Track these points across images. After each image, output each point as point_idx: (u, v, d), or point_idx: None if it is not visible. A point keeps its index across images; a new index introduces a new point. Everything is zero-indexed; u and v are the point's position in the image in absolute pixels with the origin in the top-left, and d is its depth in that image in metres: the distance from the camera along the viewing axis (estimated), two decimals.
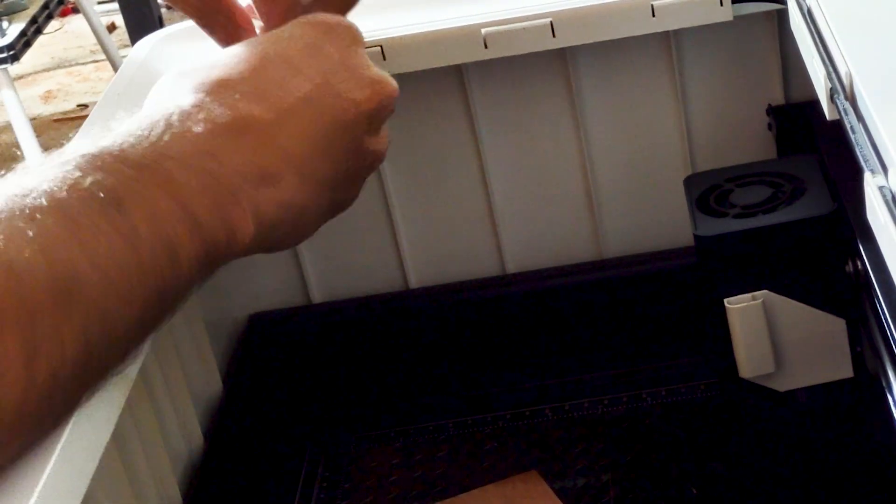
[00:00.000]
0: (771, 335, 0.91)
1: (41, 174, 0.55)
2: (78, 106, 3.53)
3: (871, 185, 0.61)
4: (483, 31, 0.98)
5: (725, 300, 0.90)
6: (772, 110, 1.08)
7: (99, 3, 3.73)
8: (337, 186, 0.69)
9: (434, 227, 1.14)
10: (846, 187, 0.89)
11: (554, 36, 0.98)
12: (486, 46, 0.98)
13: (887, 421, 0.78)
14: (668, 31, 1.04)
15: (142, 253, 0.56)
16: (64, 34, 4.02)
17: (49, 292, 0.51)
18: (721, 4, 0.97)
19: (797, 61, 0.89)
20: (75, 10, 3.80)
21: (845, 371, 0.92)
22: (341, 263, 1.15)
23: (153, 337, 0.59)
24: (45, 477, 0.65)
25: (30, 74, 3.78)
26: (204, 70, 0.67)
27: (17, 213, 0.52)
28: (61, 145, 0.60)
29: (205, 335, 1.06)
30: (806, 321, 0.91)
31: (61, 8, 3.02)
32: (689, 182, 0.97)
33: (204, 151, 0.62)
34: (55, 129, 3.39)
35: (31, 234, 0.51)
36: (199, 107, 0.64)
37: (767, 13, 1.04)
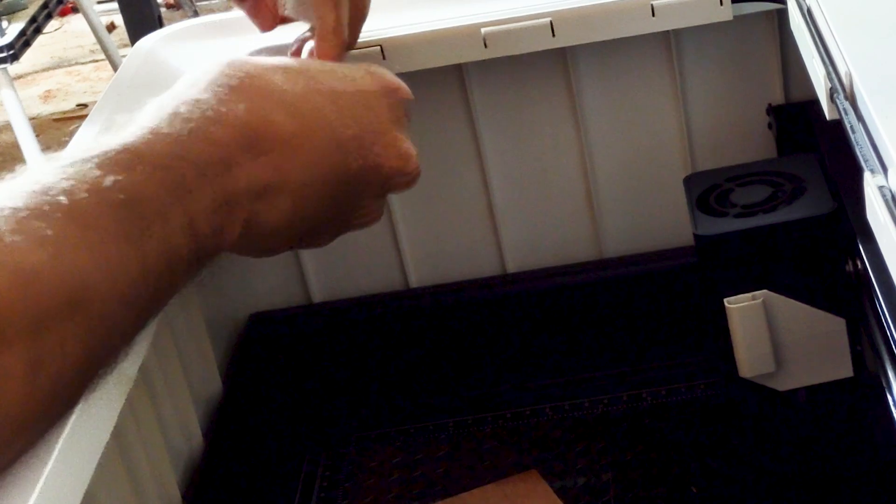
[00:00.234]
0: (771, 335, 0.91)
1: (62, 171, 0.56)
2: (77, 105, 3.52)
3: (871, 184, 0.61)
4: (483, 30, 0.98)
5: (725, 300, 0.90)
6: (772, 110, 1.08)
7: (98, 2, 3.73)
8: (318, 228, 0.72)
9: (434, 227, 1.14)
10: (846, 187, 0.89)
11: (554, 36, 0.98)
12: (485, 46, 0.98)
13: (887, 421, 0.78)
14: (668, 31, 1.04)
15: (147, 260, 0.56)
16: (63, 34, 4.02)
17: (56, 300, 0.51)
18: (721, 4, 0.97)
19: (797, 61, 0.90)
20: (75, 10, 3.80)
21: (845, 370, 0.92)
22: (341, 263, 1.15)
23: (153, 337, 0.59)
24: (45, 477, 0.65)
25: (29, 74, 3.77)
26: (254, 70, 0.68)
27: (36, 211, 0.53)
28: (61, 144, 0.60)
29: (205, 335, 1.06)
30: (806, 321, 0.91)
31: (61, 7, 3.02)
32: (690, 181, 0.97)
33: (220, 160, 0.63)
34: (55, 128, 3.39)
35: (49, 233, 0.52)
36: (230, 109, 0.65)
37: (767, 13, 1.04)
